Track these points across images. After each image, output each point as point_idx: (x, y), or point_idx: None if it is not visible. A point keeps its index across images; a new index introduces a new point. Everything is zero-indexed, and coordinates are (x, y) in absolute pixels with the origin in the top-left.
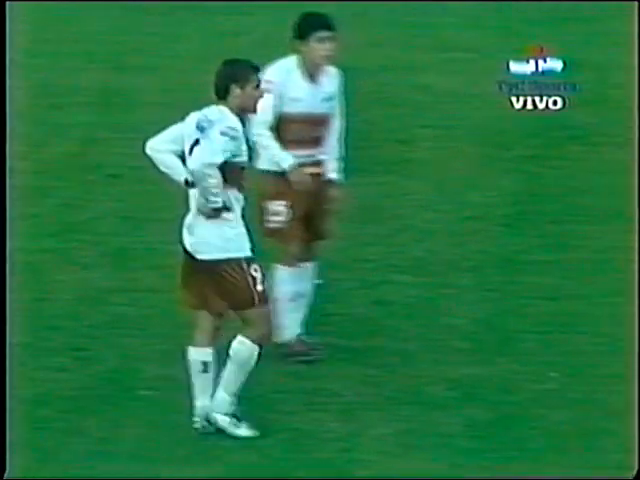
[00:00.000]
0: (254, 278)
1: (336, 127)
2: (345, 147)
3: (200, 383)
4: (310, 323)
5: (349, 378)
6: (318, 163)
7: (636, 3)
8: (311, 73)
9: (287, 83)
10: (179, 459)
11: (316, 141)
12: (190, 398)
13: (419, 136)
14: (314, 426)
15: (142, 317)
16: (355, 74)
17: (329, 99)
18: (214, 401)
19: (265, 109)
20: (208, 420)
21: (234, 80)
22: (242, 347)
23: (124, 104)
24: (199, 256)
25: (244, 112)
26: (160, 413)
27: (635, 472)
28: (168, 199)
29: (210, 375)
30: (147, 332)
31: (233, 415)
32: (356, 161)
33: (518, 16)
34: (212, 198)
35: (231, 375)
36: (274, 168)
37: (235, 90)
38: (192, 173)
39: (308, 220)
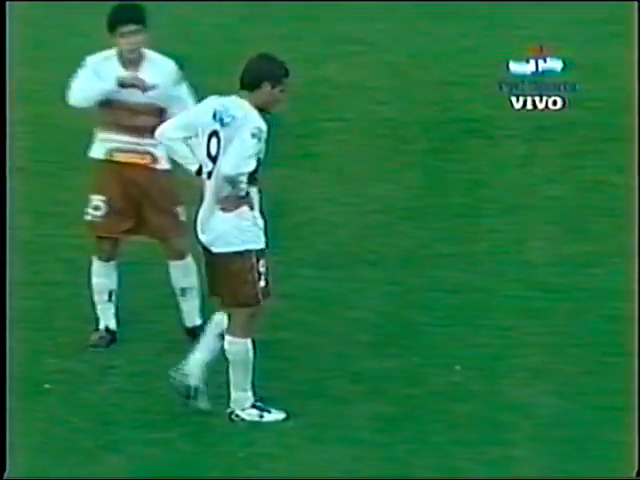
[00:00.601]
0: (259, 274)
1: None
2: None
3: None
4: None
5: (254, 371)
6: (144, 153)
7: (636, 3)
8: (128, 63)
9: (101, 70)
10: (84, 452)
11: (138, 130)
12: (92, 392)
13: (323, 129)
14: (219, 419)
15: (47, 310)
16: None
17: (152, 89)
18: (233, 402)
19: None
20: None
21: (269, 77)
22: (236, 347)
23: (26, 98)
24: (218, 249)
25: (263, 109)
26: (64, 407)
27: (635, 472)
28: (71, 192)
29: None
30: (52, 325)
31: (255, 406)
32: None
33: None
34: (241, 193)
35: (237, 375)
36: (99, 156)
37: (266, 87)
38: (224, 177)
39: (138, 214)
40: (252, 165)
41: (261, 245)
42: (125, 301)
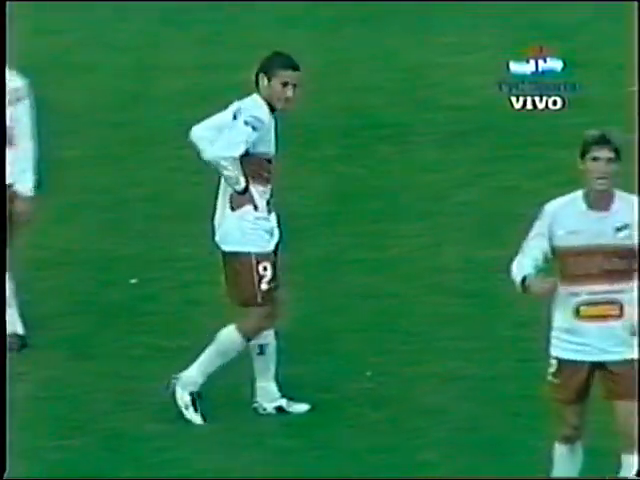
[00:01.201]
0: (260, 276)
1: (24, 144)
2: (156, 147)
3: (257, 365)
4: (124, 322)
5: (164, 378)
6: None
7: (636, 3)
8: None
9: None
10: None
11: None
12: None
13: None
14: (129, 425)
15: None
16: (170, 73)
17: None
18: (182, 376)
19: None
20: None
21: (263, 70)
22: (229, 335)
23: None
24: (223, 247)
25: (272, 106)
26: None
27: (635, 472)
28: None
29: (268, 357)
30: None
31: (192, 394)
32: (170, 161)
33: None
34: (235, 186)
35: (209, 355)
36: None
37: (263, 80)
38: (208, 162)
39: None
40: (235, 150)
41: (263, 248)
42: (35, 307)
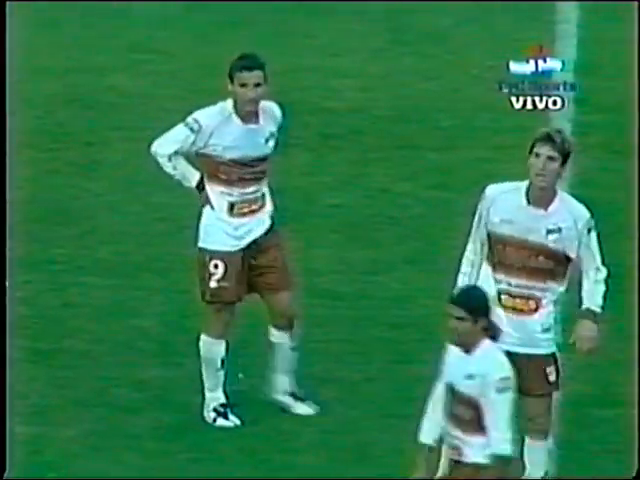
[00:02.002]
0: (210, 274)
1: None
2: (30, 149)
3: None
4: None
5: (36, 380)
6: None
7: (636, 3)
8: None
9: None
10: None
11: None
12: None
13: (109, 138)
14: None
15: None
16: (43, 76)
17: None
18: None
19: None
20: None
21: (229, 74)
22: (201, 343)
23: None
24: None
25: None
26: None
27: (635, 472)
28: None
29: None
30: None
31: (215, 410)
32: (45, 163)
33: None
34: (183, 183)
35: (203, 370)
36: None
37: (229, 85)
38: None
39: None
40: (167, 149)
41: (217, 246)
42: None
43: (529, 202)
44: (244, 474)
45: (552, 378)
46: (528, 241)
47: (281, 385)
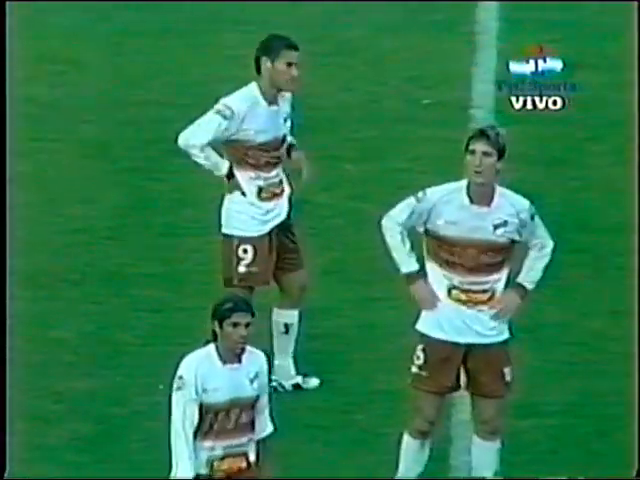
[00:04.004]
0: (239, 259)
1: None
2: None
3: (279, 344)
4: None
5: None
6: None
7: (636, 3)
8: None
9: None
10: None
11: None
12: None
13: (26, 149)
14: None
15: None
16: None
17: None
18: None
19: None
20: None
21: (264, 52)
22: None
23: None
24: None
25: (280, 89)
26: None
27: (635, 472)
28: None
29: (290, 336)
30: None
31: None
32: None
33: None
34: (215, 172)
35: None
36: None
37: (266, 63)
38: (180, 146)
39: None
40: (201, 138)
41: (245, 232)
42: None
43: (472, 201)
44: None
45: (508, 379)
46: (475, 239)
47: (291, 366)
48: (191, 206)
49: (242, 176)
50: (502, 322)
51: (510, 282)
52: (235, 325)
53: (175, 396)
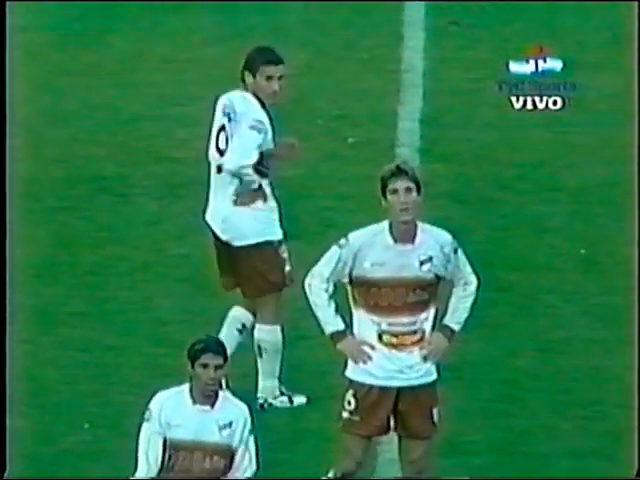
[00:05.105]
0: (284, 259)
1: None
2: None
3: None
4: None
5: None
6: None
7: (636, 3)
8: None
9: None
10: None
11: None
12: None
13: None
14: None
15: None
16: None
17: None
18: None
19: None
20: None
21: (247, 67)
22: (266, 335)
23: None
24: (238, 243)
25: (261, 101)
26: None
27: (635, 472)
28: None
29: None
30: None
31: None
32: None
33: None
34: (252, 186)
35: (268, 361)
36: None
37: (249, 78)
38: (229, 172)
39: None
40: (253, 157)
41: (278, 235)
42: None
43: (396, 240)
44: None
45: (436, 419)
46: (403, 278)
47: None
48: (118, 244)
49: (264, 184)
50: (431, 363)
51: (437, 323)
52: (204, 366)
53: (142, 427)
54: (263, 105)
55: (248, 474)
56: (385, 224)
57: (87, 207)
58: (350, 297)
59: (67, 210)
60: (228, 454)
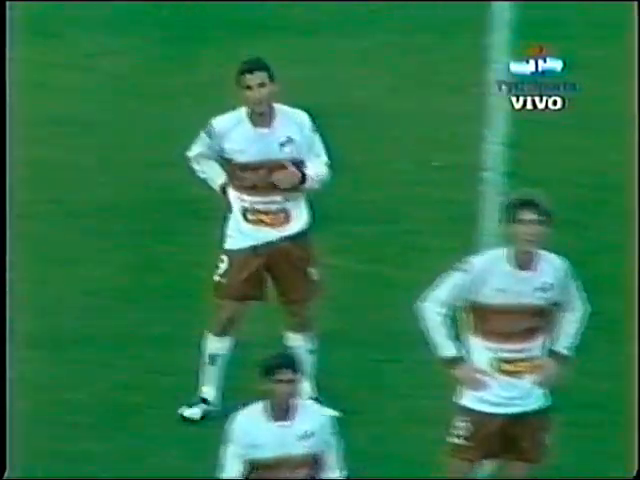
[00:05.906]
0: (217, 268)
1: None
2: None
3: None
4: None
5: None
6: None
7: (636, 3)
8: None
9: None
10: None
11: None
12: None
13: (32, 211)
14: None
15: None
16: None
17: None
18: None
19: None
20: None
21: (235, 79)
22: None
23: None
24: None
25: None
26: None
27: (635, 472)
28: None
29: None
30: None
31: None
32: None
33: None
34: (211, 185)
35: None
36: None
37: (238, 89)
38: None
39: None
40: (190, 152)
41: (227, 245)
42: None
43: (516, 267)
44: None
45: (547, 443)
46: (522, 305)
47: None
48: (202, 267)
49: (231, 194)
50: (545, 389)
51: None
52: (278, 382)
53: (226, 449)
54: (253, 123)
55: (337, 476)
56: (504, 250)
57: (171, 230)
58: (466, 323)
59: (149, 233)
60: (314, 462)
